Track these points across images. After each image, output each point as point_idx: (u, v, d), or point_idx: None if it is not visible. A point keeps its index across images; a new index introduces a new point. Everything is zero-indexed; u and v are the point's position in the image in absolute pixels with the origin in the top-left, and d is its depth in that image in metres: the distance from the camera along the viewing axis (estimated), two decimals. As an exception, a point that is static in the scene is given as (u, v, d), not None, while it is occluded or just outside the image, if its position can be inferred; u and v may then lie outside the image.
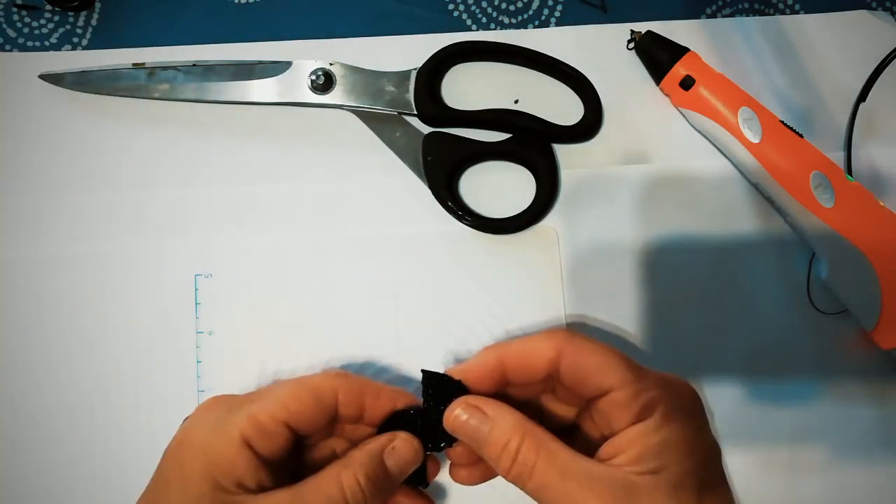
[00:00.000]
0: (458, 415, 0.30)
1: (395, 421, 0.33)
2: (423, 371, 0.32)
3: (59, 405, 0.39)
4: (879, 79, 0.42)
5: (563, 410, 0.33)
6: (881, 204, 0.38)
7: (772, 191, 0.39)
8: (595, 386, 0.29)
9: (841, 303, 0.39)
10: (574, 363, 0.29)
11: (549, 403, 0.33)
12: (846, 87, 0.42)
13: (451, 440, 0.32)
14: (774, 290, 0.41)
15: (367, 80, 0.42)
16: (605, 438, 0.29)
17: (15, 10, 0.44)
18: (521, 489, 0.28)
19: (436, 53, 0.42)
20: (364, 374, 0.40)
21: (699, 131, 0.41)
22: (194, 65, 0.42)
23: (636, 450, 0.27)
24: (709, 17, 0.44)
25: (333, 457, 0.33)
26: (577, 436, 0.32)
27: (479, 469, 0.32)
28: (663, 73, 0.41)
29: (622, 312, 0.40)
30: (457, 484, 0.33)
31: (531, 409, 0.33)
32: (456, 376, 0.31)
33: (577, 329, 0.40)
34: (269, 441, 0.29)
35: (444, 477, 0.35)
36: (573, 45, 0.43)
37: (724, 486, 0.29)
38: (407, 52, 0.42)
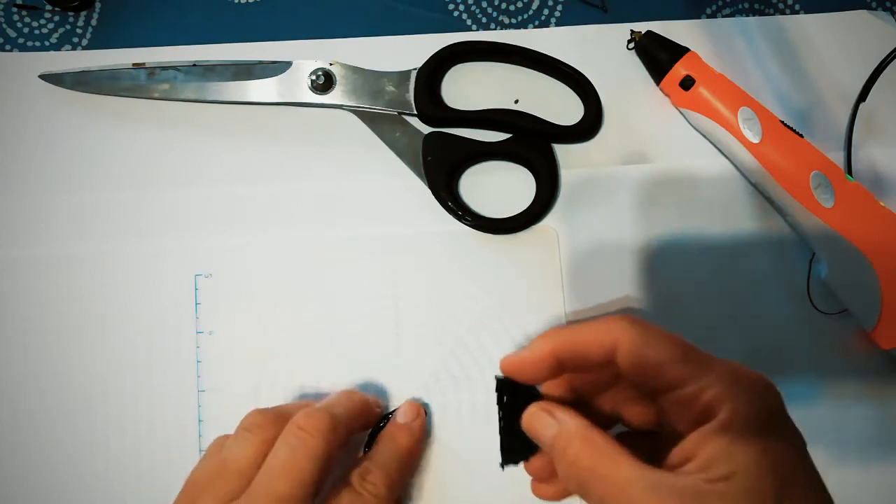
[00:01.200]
0: (531, 415, 0.29)
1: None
2: (496, 378, 0.31)
3: (59, 405, 0.39)
4: (879, 79, 0.42)
5: (642, 409, 0.31)
6: (881, 204, 0.38)
7: (772, 191, 0.39)
8: (655, 381, 0.27)
9: (841, 303, 0.39)
10: (632, 356, 0.27)
11: (628, 400, 0.31)
12: (846, 87, 0.42)
13: (526, 453, 0.31)
14: (774, 290, 0.41)
15: (367, 80, 0.42)
16: (677, 439, 0.27)
17: (15, 10, 0.44)
18: (585, 500, 0.27)
19: (436, 53, 0.42)
20: (364, 373, 0.40)
21: (699, 131, 0.41)
22: (194, 65, 0.42)
23: (704, 454, 0.24)
24: (709, 17, 0.44)
25: None
26: (660, 435, 0.31)
27: (560, 485, 0.31)
28: (663, 73, 0.41)
29: (622, 312, 0.40)
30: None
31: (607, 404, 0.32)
32: (510, 367, 0.30)
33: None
34: None
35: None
36: (573, 45, 0.43)
37: (813, 482, 0.26)
38: (407, 52, 0.42)
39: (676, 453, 0.26)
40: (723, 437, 0.25)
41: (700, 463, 0.24)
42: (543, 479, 0.31)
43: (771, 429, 0.26)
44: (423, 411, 0.38)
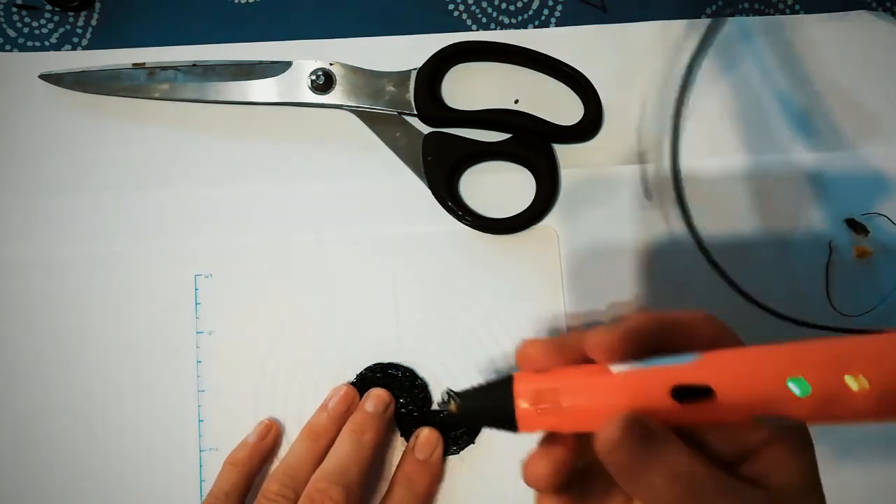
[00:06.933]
0: (618, 437, 0.24)
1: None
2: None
3: (60, 405, 0.39)
4: (880, 79, 0.42)
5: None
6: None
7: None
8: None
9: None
10: None
11: None
12: (846, 87, 0.42)
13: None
14: (774, 290, 0.41)
15: (367, 80, 0.42)
16: (736, 452, 0.26)
17: (15, 10, 0.44)
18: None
19: (436, 53, 0.42)
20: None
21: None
22: (194, 65, 0.42)
23: (787, 470, 0.26)
24: (709, 17, 0.44)
25: None
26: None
27: (573, 498, 0.27)
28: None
29: (622, 312, 0.40)
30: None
31: None
32: (601, 342, 0.25)
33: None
34: None
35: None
36: (573, 45, 0.43)
37: None
38: (407, 52, 0.42)
39: (751, 468, 0.26)
40: (800, 454, 0.26)
41: (784, 478, 0.25)
42: (553, 490, 0.26)
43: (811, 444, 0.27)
44: (438, 439, 0.38)
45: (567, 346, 0.26)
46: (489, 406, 0.27)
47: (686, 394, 0.23)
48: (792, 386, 0.22)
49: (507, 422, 0.26)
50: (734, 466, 0.26)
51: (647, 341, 0.25)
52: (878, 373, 0.20)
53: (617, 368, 0.25)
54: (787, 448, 0.26)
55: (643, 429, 0.24)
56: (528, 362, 0.27)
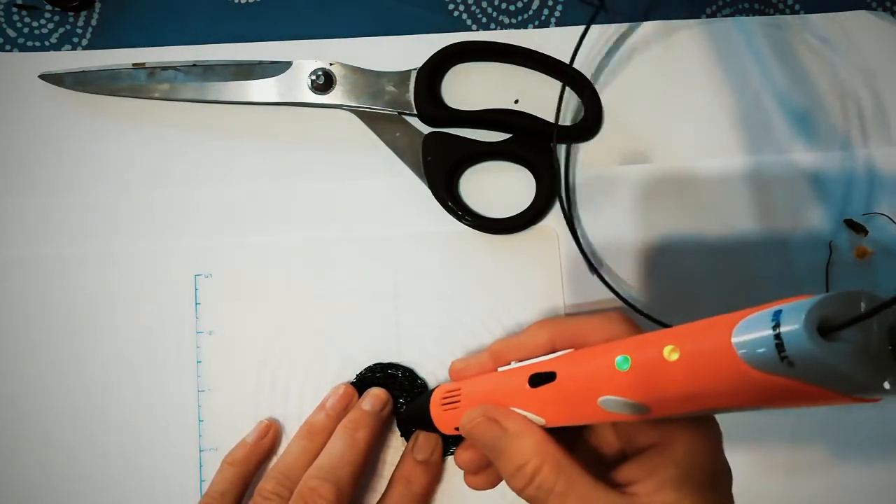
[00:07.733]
0: (476, 424, 0.29)
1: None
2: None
3: (60, 404, 0.39)
4: (880, 79, 0.42)
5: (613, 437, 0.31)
6: None
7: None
8: None
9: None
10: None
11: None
12: (846, 87, 0.42)
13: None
14: (774, 290, 0.41)
15: (367, 80, 0.42)
16: (620, 452, 0.29)
17: (15, 10, 0.44)
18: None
19: (436, 53, 0.42)
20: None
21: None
22: (194, 65, 0.42)
23: (657, 479, 0.26)
24: (709, 17, 0.44)
25: None
26: (589, 443, 0.31)
27: (493, 474, 0.32)
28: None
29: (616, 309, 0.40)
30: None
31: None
32: (504, 350, 0.31)
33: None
34: None
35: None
36: (573, 45, 0.43)
37: None
38: (407, 52, 0.42)
39: (624, 472, 0.27)
40: (678, 466, 0.26)
41: (650, 487, 0.26)
42: (474, 472, 0.32)
43: (714, 457, 0.27)
44: (438, 440, 0.37)
45: (480, 361, 0.32)
46: (417, 409, 0.35)
47: (538, 380, 0.28)
48: (618, 362, 0.25)
49: (429, 421, 0.33)
50: (613, 466, 0.28)
51: (552, 350, 0.29)
52: (686, 344, 0.23)
53: (502, 369, 0.31)
54: (661, 457, 0.27)
55: (490, 419, 0.28)
56: (454, 374, 0.33)
